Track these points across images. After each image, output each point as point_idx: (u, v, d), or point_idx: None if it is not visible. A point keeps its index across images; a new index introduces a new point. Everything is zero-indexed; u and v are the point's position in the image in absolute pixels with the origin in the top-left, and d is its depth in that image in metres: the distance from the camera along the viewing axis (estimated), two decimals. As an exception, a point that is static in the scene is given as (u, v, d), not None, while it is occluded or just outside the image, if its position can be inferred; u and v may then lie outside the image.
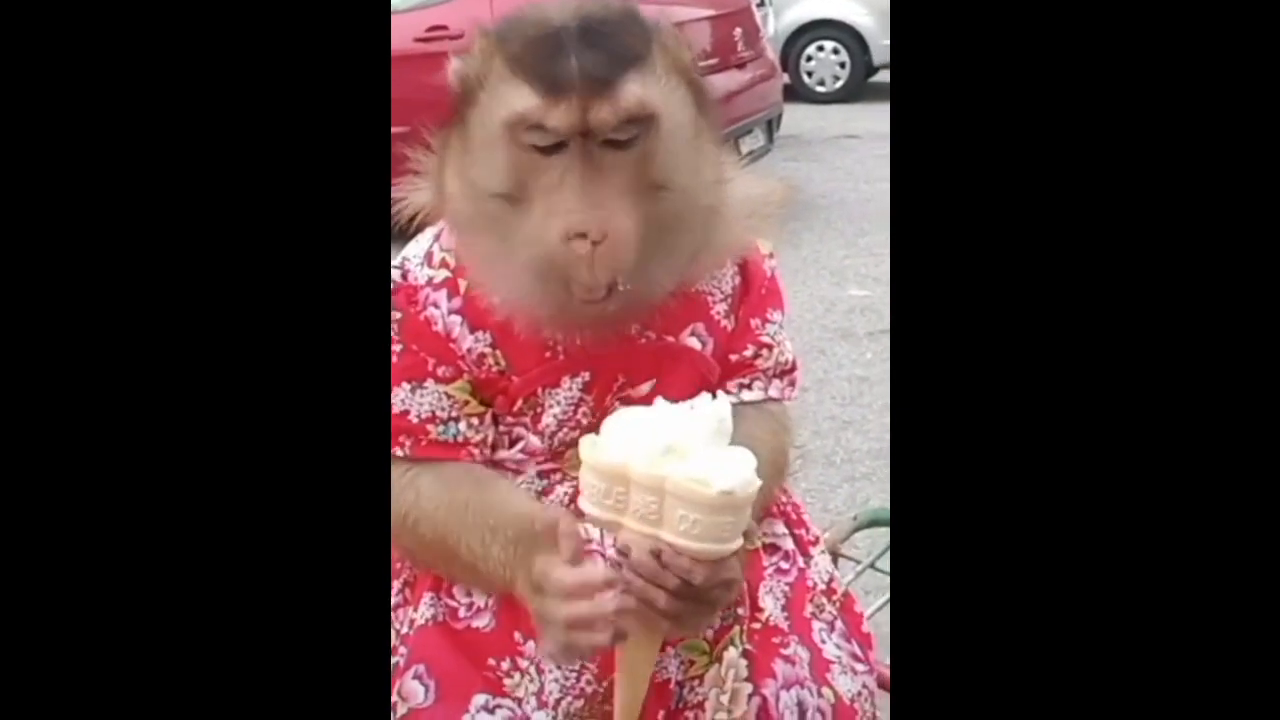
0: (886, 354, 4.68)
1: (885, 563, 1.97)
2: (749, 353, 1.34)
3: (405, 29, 5.89)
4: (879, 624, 1.69)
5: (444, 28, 6.13)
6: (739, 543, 1.11)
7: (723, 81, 6.82)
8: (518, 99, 1.15)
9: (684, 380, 1.29)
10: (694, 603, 1.12)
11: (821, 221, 6.76)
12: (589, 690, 1.25)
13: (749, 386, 1.34)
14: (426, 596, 1.30)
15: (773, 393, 1.36)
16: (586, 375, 1.27)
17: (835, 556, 1.88)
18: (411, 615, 1.31)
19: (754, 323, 1.35)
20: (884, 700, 1.38)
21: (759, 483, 1.09)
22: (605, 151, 1.15)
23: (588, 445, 1.11)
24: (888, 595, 1.87)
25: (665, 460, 1.06)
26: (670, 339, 1.29)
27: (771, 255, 1.39)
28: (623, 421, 1.11)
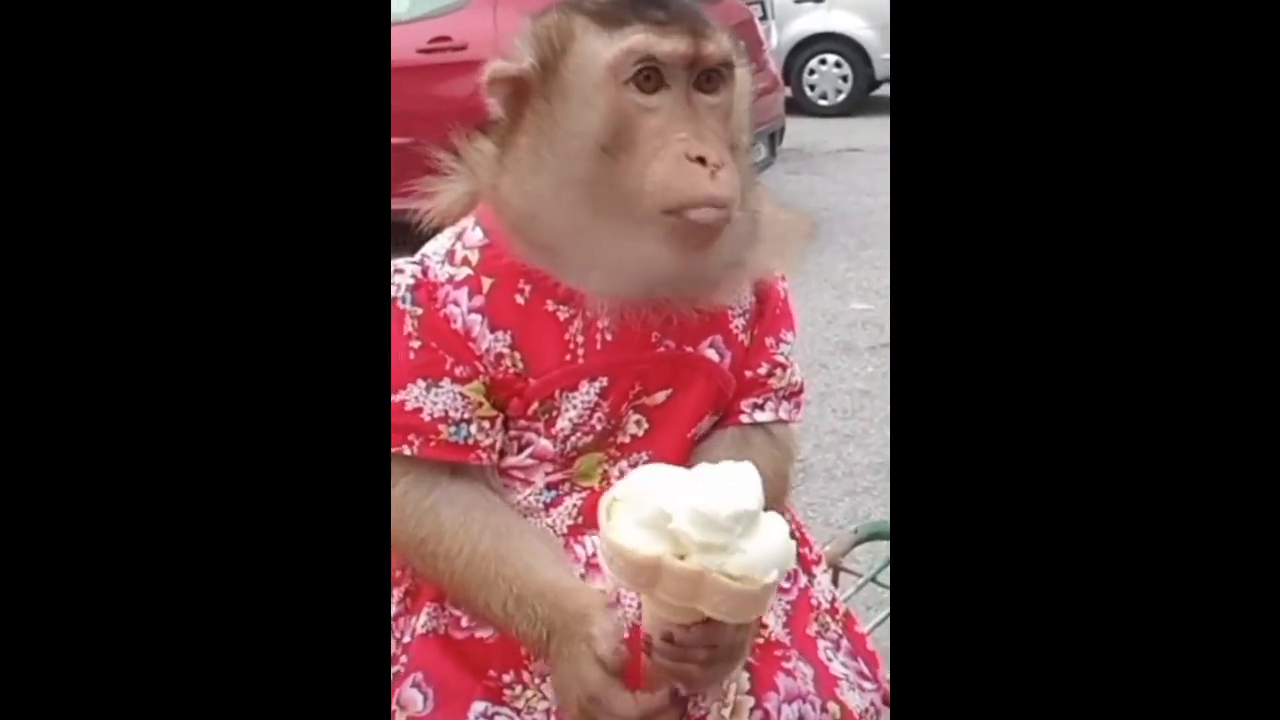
0: (888, 367, 4.68)
1: (886, 576, 1.96)
2: (763, 371, 1.34)
3: (408, 40, 5.90)
4: (879, 638, 1.68)
5: (447, 39, 6.14)
6: (764, 613, 1.13)
7: (725, 94, 6.84)
8: (620, 40, 1.20)
9: (700, 392, 1.29)
10: (722, 661, 1.17)
11: (824, 235, 6.76)
12: None
13: (762, 407, 1.34)
14: (429, 607, 1.30)
15: (782, 414, 1.36)
16: (604, 380, 1.26)
17: (836, 571, 1.88)
18: (413, 624, 1.30)
19: (769, 341, 1.35)
20: (885, 717, 1.37)
21: (792, 543, 1.10)
22: (700, 96, 1.21)
23: (611, 529, 1.07)
24: (888, 609, 1.86)
25: (705, 555, 1.04)
26: (689, 349, 1.29)
27: (784, 278, 1.40)
28: (643, 499, 1.07)
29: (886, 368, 4.66)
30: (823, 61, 11.28)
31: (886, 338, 4.99)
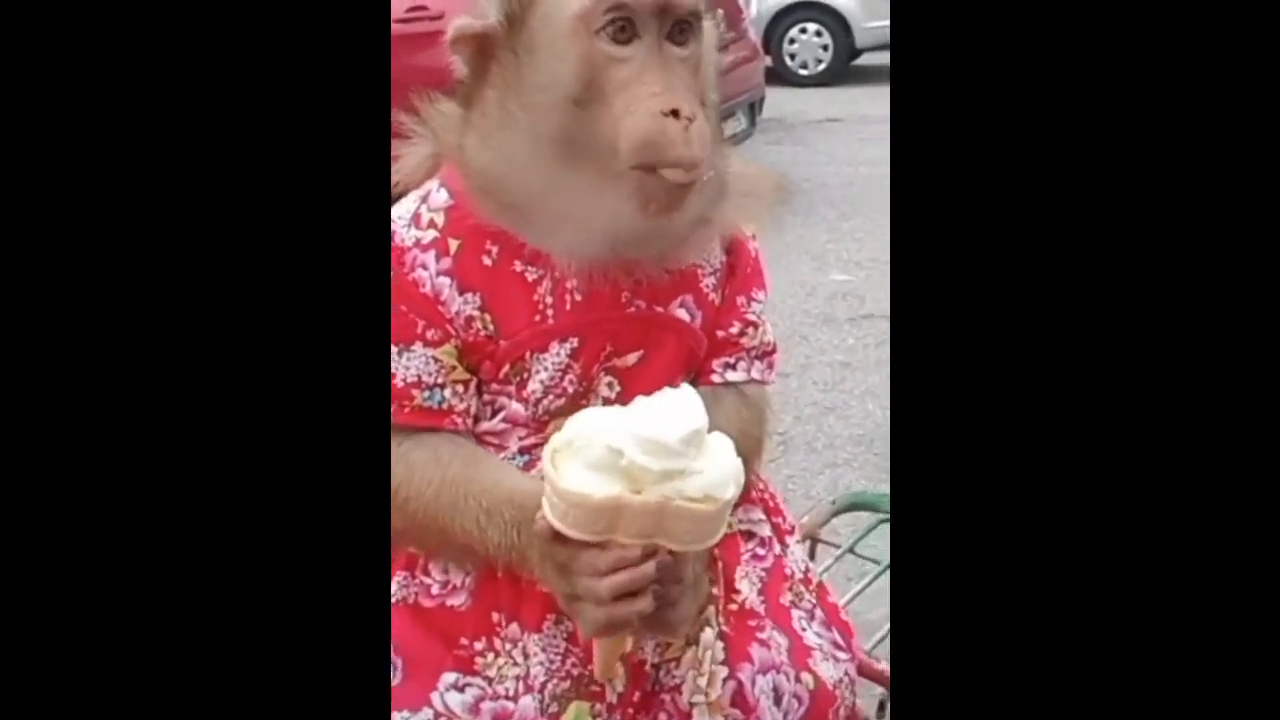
0: (868, 339, 4.69)
1: (864, 547, 1.97)
2: (735, 330, 1.34)
3: (386, 9, 5.85)
4: (857, 610, 1.69)
5: (424, 8, 6.09)
6: (722, 533, 1.10)
7: (705, 64, 6.81)
8: None
9: (671, 352, 1.29)
10: (689, 595, 1.16)
11: (804, 206, 6.76)
12: (575, 673, 1.24)
13: (734, 366, 1.34)
14: (399, 576, 1.30)
15: (755, 374, 1.36)
16: (575, 341, 1.25)
17: (814, 542, 1.88)
18: None
19: (740, 300, 1.35)
20: (864, 687, 1.38)
21: (739, 460, 1.09)
22: (670, 48, 1.19)
23: (561, 478, 1.05)
24: (867, 580, 1.87)
25: (662, 485, 1.02)
26: (659, 309, 1.28)
27: (755, 237, 1.39)
28: (589, 441, 1.05)
29: (867, 339, 4.68)
30: (803, 30, 11.24)
31: (867, 309, 5.00)
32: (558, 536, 1.08)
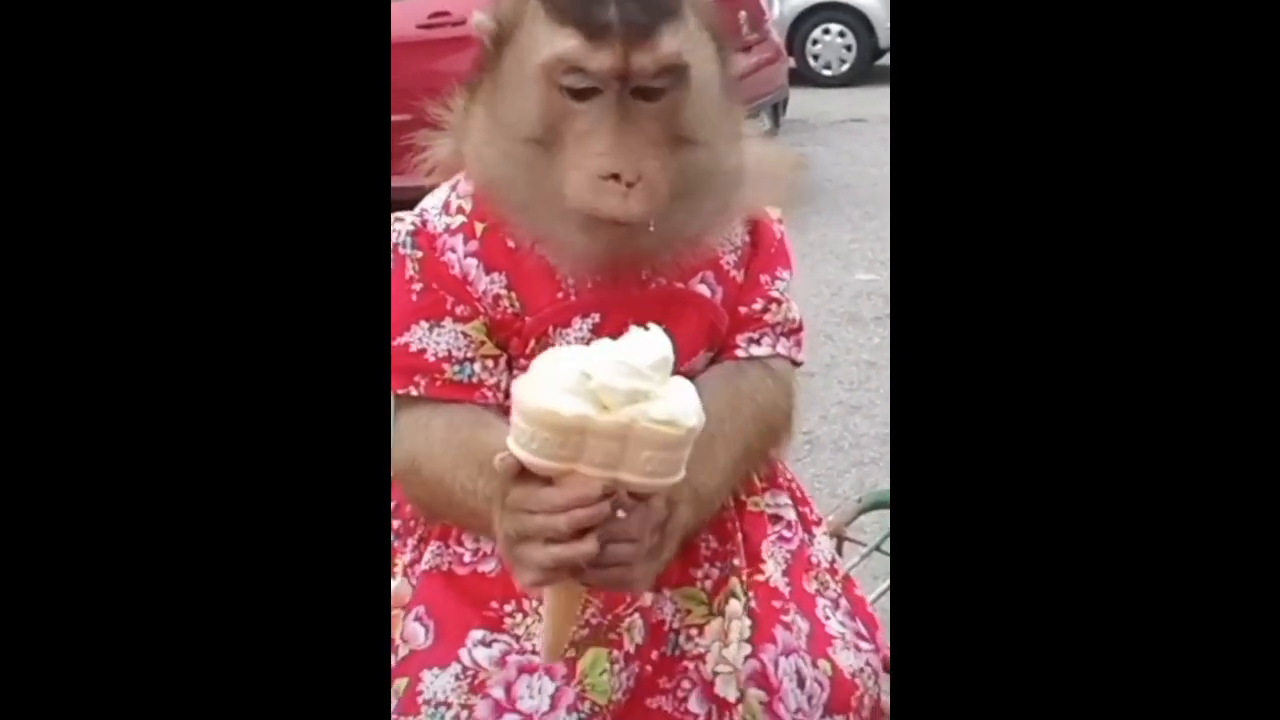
0: (894, 338, 4.66)
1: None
2: (758, 306, 1.36)
3: (407, 16, 5.87)
4: (884, 608, 1.69)
5: (446, 14, 6.11)
6: (683, 473, 1.09)
7: (728, 65, 6.80)
8: (558, 41, 1.18)
9: (693, 326, 1.31)
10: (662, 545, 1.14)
11: (828, 206, 6.75)
12: (594, 622, 1.26)
13: (758, 341, 1.36)
14: (434, 545, 1.33)
15: (780, 349, 1.37)
16: (597, 317, 1.28)
17: (841, 540, 1.88)
18: (421, 566, 1.33)
19: (764, 278, 1.37)
20: (887, 682, 1.38)
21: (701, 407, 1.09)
22: (636, 101, 1.19)
23: (532, 398, 1.05)
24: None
25: (629, 406, 1.04)
26: (680, 285, 1.31)
27: (781, 220, 1.41)
28: (558, 367, 1.06)
29: (892, 338, 4.64)
30: (826, 31, 11.21)
31: (892, 308, 4.97)
32: (520, 473, 1.07)
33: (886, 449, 3.70)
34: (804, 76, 10.71)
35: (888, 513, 2.03)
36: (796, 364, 1.40)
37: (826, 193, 7.06)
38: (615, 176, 1.17)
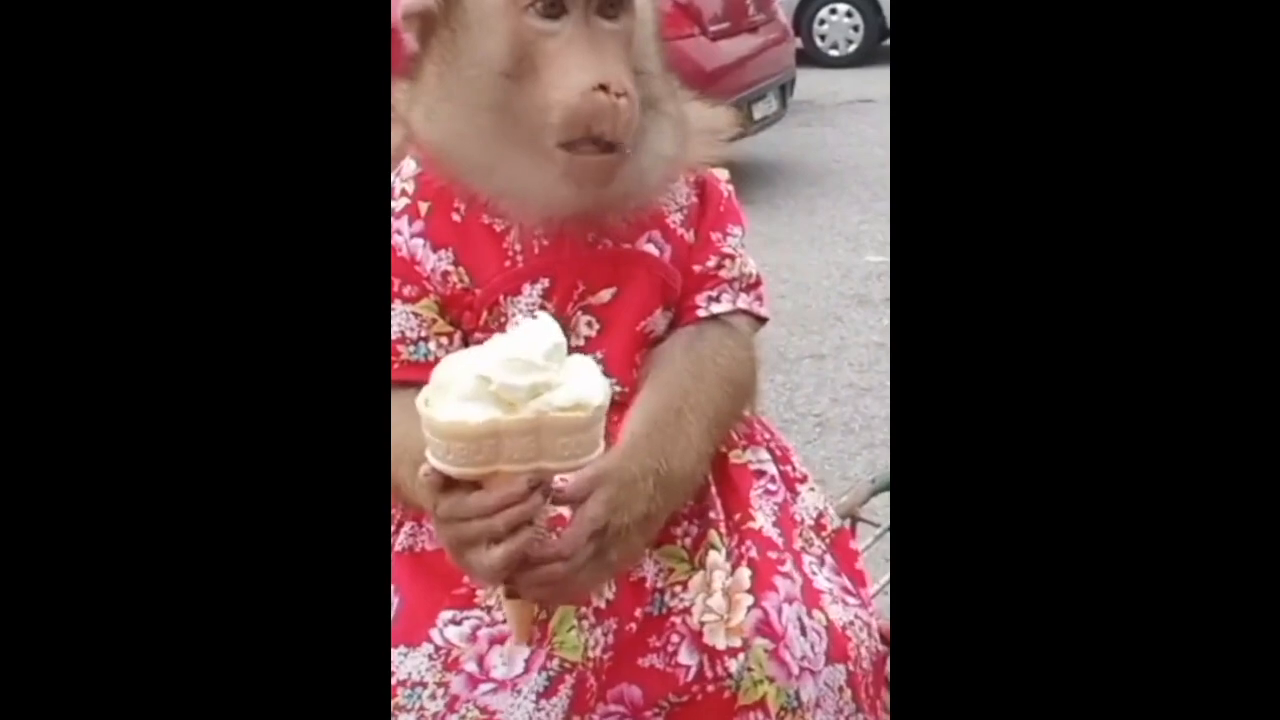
0: (904, 319, 4.66)
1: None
2: (712, 263, 1.37)
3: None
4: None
5: None
6: (601, 447, 1.10)
7: (735, 46, 6.78)
8: None
9: (644, 286, 1.32)
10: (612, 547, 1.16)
11: (836, 187, 6.73)
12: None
13: (717, 299, 1.36)
14: (407, 527, 1.34)
15: (741, 304, 1.38)
16: (546, 281, 1.30)
17: (854, 521, 1.88)
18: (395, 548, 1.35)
19: (714, 235, 1.38)
20: (872, 631, 1.37)
21: (604, 379, 1.09)
22: (599, 20, 1.22)
23: (437, 413, 1.06)
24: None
25: (534, 400, 1.04)
26: (626, 245, 1.32)
27: (729, 181, 1.43)
28: (456, 377, 1.06)
29: (902, 320, 4.64)
30: (833, 11, 11.17)
31: (902, 289, 4.96)
32: (445, 483, 1.08)
33: (897, 430, 3.71)
34: (811, 57, 10.68)
35: (900, 494, 2.03)
36: (761, 320, 1.41)
37: (834, 174, 7.05)
38: (603, 88, 1.19)
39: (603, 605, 1.26)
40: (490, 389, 1.04)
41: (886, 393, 4.01)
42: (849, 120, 8.69)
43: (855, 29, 11.17)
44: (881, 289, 5.03)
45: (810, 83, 9.21)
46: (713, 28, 6.61)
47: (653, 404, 1.28)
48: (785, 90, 7.51)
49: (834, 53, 11.17)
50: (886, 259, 5.41)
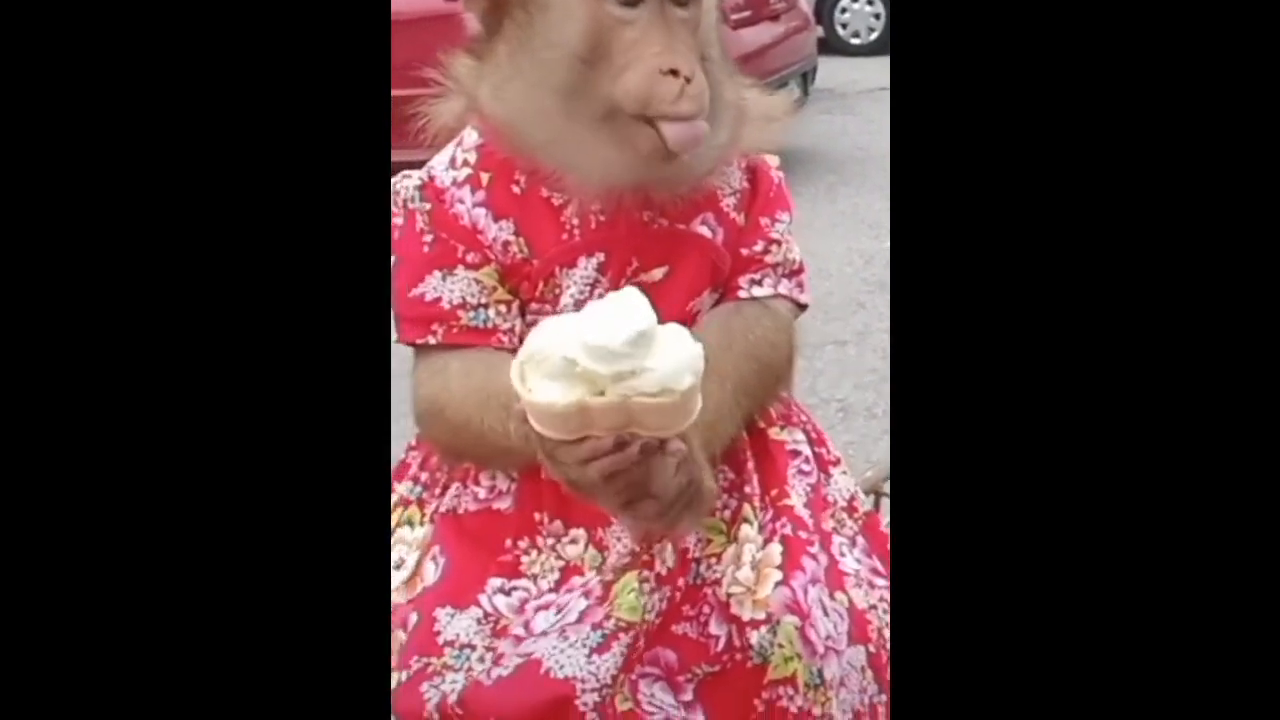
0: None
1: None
2: (759, 248, 1.40)
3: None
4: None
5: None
6: (695, 415, 1.11)
7: (756, 34, 6.77)
8: None
9: (695, 267, 1.35)
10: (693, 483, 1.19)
11: (858, 175, 6.71)
12: (635, 550, 1.31)
13: (759, 283, 1.40)
14: (453, 487, 1.37)
15: (783, 290, 1.41)
16: (601, 256, 1.33)
17: (878, 497, 1.90)
18: (438, 506, 1.38)
19: (763, 221, 1.41)
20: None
21: (699, 345, 1.10)
22: (674, 9, 1.28)
23: (531, 394, 1.08)
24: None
25: (619, 384, 1.06)
26: (681, 226, 1.35)
27: (779, 167, 1.46)
28: (543, 353, 1.08)
29: (924, 307, 4.62)
30: (854, 0, 11.11)
31: (924, 277, 4.93)
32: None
33: (920, 417, 3.70)
34: (832, 45, 10.62)
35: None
36: (802, 306, 1.44)
37: (856, 161, 7.02)
38: (674, 72, 1.24)
39: (663, 572, 1.29)
40: (576, 371, 1.06)
41: (909, 379, 4.00)
42: (870, 108, 8.65)
43: (876, 17, 11.10)
44: (904, 276, 5.01)
45: (831, 71, 9.17)
46: (734, 16, 6.59)
47: None
48: (807, 78, 7.49)
49: (855, 41, 11.11)
50: (908, 246, 5.39)
